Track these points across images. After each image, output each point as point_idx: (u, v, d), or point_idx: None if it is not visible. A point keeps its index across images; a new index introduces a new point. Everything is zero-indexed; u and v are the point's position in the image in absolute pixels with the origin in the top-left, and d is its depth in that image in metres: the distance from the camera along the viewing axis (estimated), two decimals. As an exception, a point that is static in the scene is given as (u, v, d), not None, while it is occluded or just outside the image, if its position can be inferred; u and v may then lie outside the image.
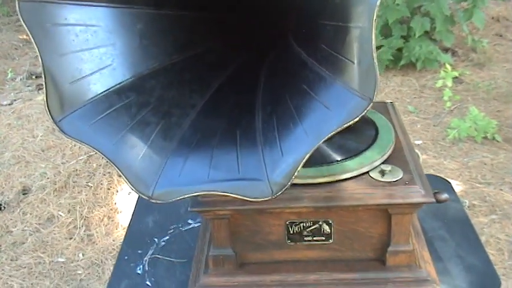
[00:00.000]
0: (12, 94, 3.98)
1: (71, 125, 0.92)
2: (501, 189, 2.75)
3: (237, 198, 0.86)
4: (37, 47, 0.90)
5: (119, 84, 0.96)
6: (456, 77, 3.58)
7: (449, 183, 1.45)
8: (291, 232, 1.10)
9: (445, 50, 4.06)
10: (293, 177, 0.84)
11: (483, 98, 3.56)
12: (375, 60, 0.78)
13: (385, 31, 3.89)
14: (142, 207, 1.42)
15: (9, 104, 3.84)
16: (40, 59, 0.92)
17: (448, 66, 3.47)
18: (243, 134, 0.92)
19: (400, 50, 3.88)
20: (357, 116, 0.80)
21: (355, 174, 1.07)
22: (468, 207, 2.63)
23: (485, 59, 4.03)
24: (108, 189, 2.86)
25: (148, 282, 1.18)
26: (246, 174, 0.87)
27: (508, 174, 2.85)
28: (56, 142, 3.27)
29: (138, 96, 0.96)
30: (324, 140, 0.81)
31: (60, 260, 2.51)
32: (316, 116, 0.84)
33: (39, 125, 3.45)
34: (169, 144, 0.94)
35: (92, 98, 0.94)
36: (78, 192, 2.87)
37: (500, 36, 4.38)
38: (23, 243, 2.60)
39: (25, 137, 3.35)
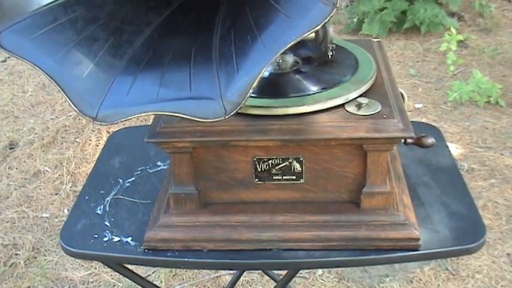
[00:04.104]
0: (6, 51, 3.89)
1: (11, 38, 0.84)
2: (502, 154, 2.65)
3: (186, 118, 0.78)
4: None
5: (65, -4, 0.87)
6: (461, 41, 3.47)
7: (440, 131, 1.36)
8: (259, 170, 1.01)
9: (452, 14, 3.94)
10: (248, 95, 0.75)
11: (488, 63, 3.44)
12: (341, -40, 0.68)
13: (390, -7, 3.77)
14: (110, 149, 1.34)
15: (3, 61, 3.75)
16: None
17: (453, 29, 3.35)
18: (199, 51, 0.83)
19: (404, 12, 3.76)
20: (319, 24, 0.71)
21: (329, 107, 0.98)
22: (467, 170, 2.54)
23: (493, 24, 3.90)
24: (97, 145, 2.78)
25: (107, 223, 1.10)
26: (198, 93, 0.79)
27: (510, 139, 2.75)
28: (46, 98, 3.19)
29: (87, 11, 0.87)
30: (281, 51, 0.72)
31: (44, 215, 2.45)
32: (276, 26, 0.75)
33: (30, 81, 3.37)
34: (119, 62, 0.85)
35: (34, 10, 0.85)
36: (66, 148, 2.80)
37: (509, 1, 4.24)
38: (8, 197, 2.54)
39: (15, 93, 3.27)
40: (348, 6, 4.16)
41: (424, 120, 2.89)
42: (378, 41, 1.25)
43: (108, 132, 2.77)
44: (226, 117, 0.76)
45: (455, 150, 2.65)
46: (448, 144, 1.34)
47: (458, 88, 2.99)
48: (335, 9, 0.70)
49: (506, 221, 2.26)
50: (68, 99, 0.82)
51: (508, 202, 2.35)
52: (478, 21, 3.95)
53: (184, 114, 0.78)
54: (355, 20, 3.89)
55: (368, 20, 3.76)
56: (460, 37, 3.33)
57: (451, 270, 2.04)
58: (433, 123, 2.87)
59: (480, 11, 3.95)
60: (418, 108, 3.04)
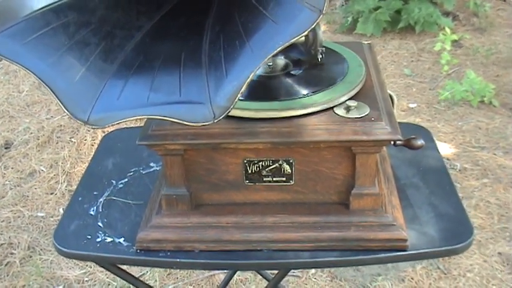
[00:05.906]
0: (2, 51, 3.89)
1: (3, 43, 0.85)
2: (494, 154, 2.67)
3: (176, 122, 0.79)
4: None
5: (57, 2, 0.88)
6: (455, 41, 3.49)
7: (430, 132, 1.37)
8: (249, 172, 1.03)
9: (446, 13, 3.95)
10: (236, 99, 0.76)
11: (482, 63, 3.46)
12: (326, -32, 0.70)
13: (384, -8, 3.79)
14: (104, 150, 1.35)
15: (-1, 61, 3.76)
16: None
17: (447, 29, 3.36)
18: (188, 56, 0.84)
19: (398, 12, 3.77)
20: (306, 30, 0.72)
21: (318, 110, 0.99)
22: (459, 170, 2.55)
23: (487, 23, 3.92)
24: (92, 145, 2.79)
25: (100, 224, 1.12)
26: (187, 97, 0.80)
27: (503, 139, 2.77)
28: (41, 98, 3.20)
29: (79, 16, 0.88)
30: (269, 57, 0.74)
31: (39, 214, 2.46)
32: (264, 32, 0.76)
33: (25, 81, 3.38)
34: (110, 67, 0.86)
35: (27, 15, 0.86)
36: (61, 148, 2.81)
37: (504, 1, 4.25)
38: (3, 197, 2.55)
39: (10, 92, 3.28)
40: (342, 5, 4.17)
41: (417, 120, 2.91)
42: (369, 44, 1.26)
43: (104, 132, 2.78)
44: (215, 121, 0.78)
45: (448, 149, 2.67)
46: (441, 144, 1.36)
47: (451, 88, 3.01)
48: (322, 16, 0.71)
49: (498, 220, 2.28)
50: (60, 103, 0.83)
51: (500, 201, 2.37)
52: (473, 21, 3.97)
53: (174, 118, 0.79)
54: (349, 19, 3.90)
55: (362, 20, 3.77)
56: (455, 37, 3.34)
57: (442, 269, 2.05)
58: (427, 123, 2.90)
59: (475, 11, 3.97)
60: (412, 107, 3.06)
